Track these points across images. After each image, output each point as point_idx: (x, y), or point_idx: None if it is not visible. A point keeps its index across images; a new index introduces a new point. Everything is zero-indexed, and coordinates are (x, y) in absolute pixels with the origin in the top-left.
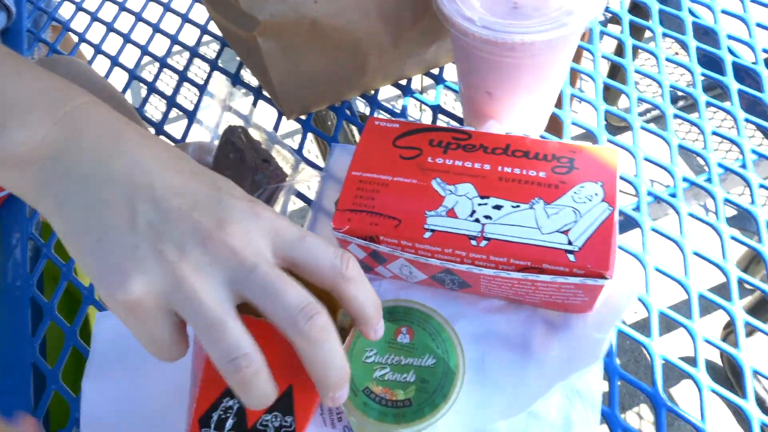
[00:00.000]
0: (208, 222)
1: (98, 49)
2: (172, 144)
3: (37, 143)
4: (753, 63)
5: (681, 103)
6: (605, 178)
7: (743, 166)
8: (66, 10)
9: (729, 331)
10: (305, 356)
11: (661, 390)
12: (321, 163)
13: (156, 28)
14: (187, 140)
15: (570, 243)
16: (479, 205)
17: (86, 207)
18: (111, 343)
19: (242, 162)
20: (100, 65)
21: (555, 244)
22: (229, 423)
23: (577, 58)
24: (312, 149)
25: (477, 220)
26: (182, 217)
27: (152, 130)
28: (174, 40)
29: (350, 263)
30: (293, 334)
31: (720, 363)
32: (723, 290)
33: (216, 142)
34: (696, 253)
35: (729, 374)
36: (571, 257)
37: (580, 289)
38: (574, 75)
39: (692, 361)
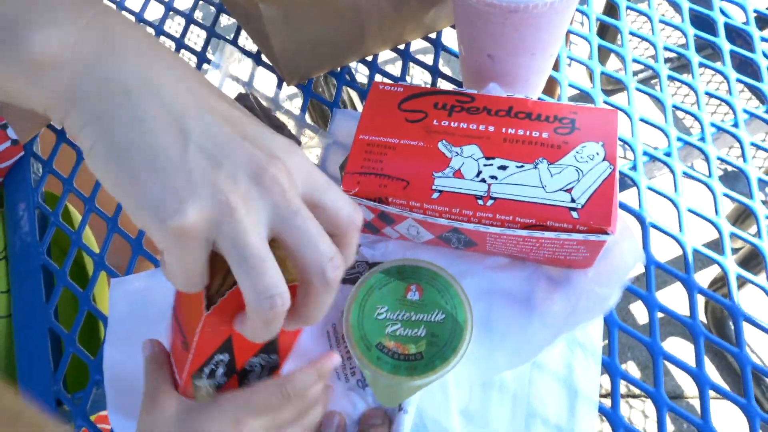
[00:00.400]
0: (259, 154)
1: None
2: None
3: (70, 45)
4: (744, 23)
5: (670, 65)
6: (606, 138)
7: (735, 125)
8: None
9: (717, 287)
10: (315, 298)
11: (659, 339)
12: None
13: None
14: None
15: (573, 201)
16: (485, 165)
17: (130, 122)
18: (128, 308)
19: None
20: None
21: (559, 202)
22: (220, 371)
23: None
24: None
25: (483, 180)
26: (235, 145)
27: None
28: (169, 6)
29: (361, 216)
30: (317, 277)
31: (704, 320)
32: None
33: None
34: (690, 210)
35: (712, 328)
36: (575, 214)
37: (583, 245)
38: (566, 36)
39: (687, 313)
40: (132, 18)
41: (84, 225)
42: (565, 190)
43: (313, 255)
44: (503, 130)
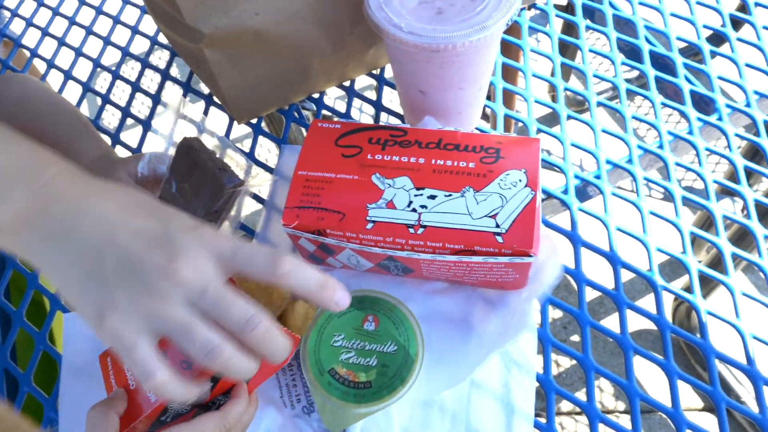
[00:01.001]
0: (163, 258)
1: (51, 64)
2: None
3: (19, 215)
4: (668, 51)
5: (605, 95)
6: (528, 165)
7: (660, 146)
8: (17, 26)
9: (679, 303)
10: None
11: (590, 355)
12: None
13: (107, 41)
14: (143, 148)
15: (498, 226)
16: (415, 196)
17: (67, 263)
18: (83, 341)
19: (201, 172)
20: (54, 79)
21: (484, 228)
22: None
23: (516, 55)
24: (272, 147)
25: (414, 210)
26: (143, 258)
27: (108, 140)
28: (125, 52)
29: (280, 262)
30: (243, 339)
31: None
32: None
33: (171, 152)
34: (619, 229)
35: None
36: (499, 239)
37: (510, 267)
38: (514, 71)
39: (620, 329)
40: (89, 62)
41: None
42: (490, 216)
43: (229, 321)
44: (433, 161)
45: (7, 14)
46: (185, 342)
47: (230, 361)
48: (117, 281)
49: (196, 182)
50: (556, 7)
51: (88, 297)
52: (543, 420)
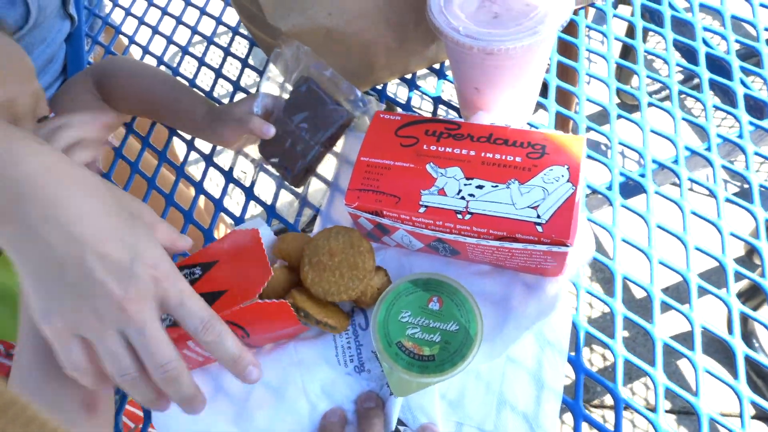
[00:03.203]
0: (118, 288)
1: (146, 50)
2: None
3: None
4: (726, 53)
5: (664, 94)
6: (571, 162)
7: (708, 149)
8: (117, 15)
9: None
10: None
11: (620, 341)
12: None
13: (194, 30)
14: None
15: (539, 216)
16: (465, 185)
17: (32, 265)
18: None
19: (318, 104)
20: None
21: (526, 218)
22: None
23: (575, 55)
24: None
25: (463, 198)
26: (101, 282)
27: None
28: (210, 41)
29: (207, 332)
30: (152, 377)
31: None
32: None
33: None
34: (659, 226)
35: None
36: (539, 228)
37: (548, 255)
38: (573, 70)
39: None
40: (178, 49)
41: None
42: (532, 207)
43: (148, 364)
44: (482, 154)
45: (109, 4)
46: (107, 362)
47: (134, 385)
48: (71, 293)
49: (312, 113)
50: (615, 6)
51: (41, 294)
52: (570, 397)
